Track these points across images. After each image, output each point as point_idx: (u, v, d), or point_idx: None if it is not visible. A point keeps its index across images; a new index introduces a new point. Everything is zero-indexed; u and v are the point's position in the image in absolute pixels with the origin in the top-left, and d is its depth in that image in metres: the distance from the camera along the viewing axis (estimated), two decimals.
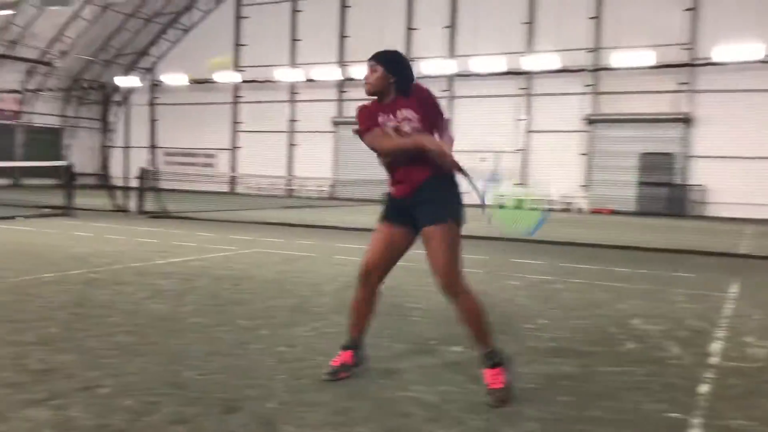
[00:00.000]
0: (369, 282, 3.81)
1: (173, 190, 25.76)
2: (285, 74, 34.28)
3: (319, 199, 31.19)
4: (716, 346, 4.84)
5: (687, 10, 26.21)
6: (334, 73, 32.94)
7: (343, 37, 33.31)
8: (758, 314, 6.10)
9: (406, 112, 3.63)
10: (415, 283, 7.34)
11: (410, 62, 3.88)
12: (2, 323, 4.84)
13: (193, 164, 37.30)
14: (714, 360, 4.46)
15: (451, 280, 3.54)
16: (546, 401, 3.52)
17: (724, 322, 5.70)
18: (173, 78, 37.42)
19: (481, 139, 29.69)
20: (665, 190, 26.21)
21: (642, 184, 26.76)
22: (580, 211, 26.99)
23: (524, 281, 7.75)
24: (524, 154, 29.25)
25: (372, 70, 3.69)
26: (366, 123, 3.75)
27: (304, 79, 33.92)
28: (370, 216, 19.58)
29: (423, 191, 3.58)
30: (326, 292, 6.56)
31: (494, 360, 3.54)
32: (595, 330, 5.27)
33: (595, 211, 26.61)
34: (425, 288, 6.99)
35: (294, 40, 34.61)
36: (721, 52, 25.01)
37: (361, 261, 3.82)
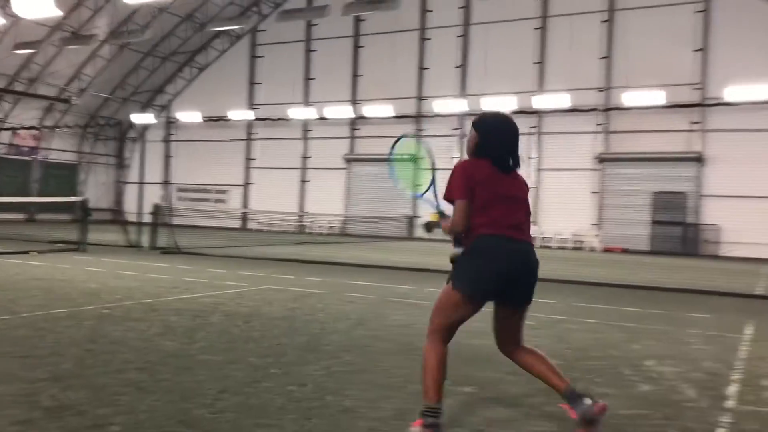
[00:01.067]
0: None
1: (186, 226, 25.93)
2: (298, 112, 34.72)
3: (330, 235, 31.24)
4: (732, 389, 4.76)
5: (697, 50, 26.43)
6: (347, 111, 33.32)
7: (355, 76, 33.78)
8: None
9: None
10: (424, 321, 7.30)
11: (509, 128, 3.66)
12: (15, 359, 4.85)
13: (205, 200, 37.65)
14: (730, 403, 4.38)
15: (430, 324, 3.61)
16: None
17: (739, 364, 5.62)
18: (188, 115, 37.99)
19: None
20: (678, 229, 26.09)
21: (655, 222, 26.66)
22: (592, 249, 26.86)
23: (537, 320, 7.68)
24: (536, 192, 29.29)
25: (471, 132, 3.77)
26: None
27: (317, 117, 34.33)
28: (381, 253, 19.61)
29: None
30: (337, 330, 6.54)
31: (422, 414, 3.46)
32: (608, 371, 5.21)
33: (608, 250, 26.49)
34: None
35: (307, 78, 35.14)
36: (732, 92, 25.11)
37: None
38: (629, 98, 26.75)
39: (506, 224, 3.49)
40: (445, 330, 3.55)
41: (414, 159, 4.19)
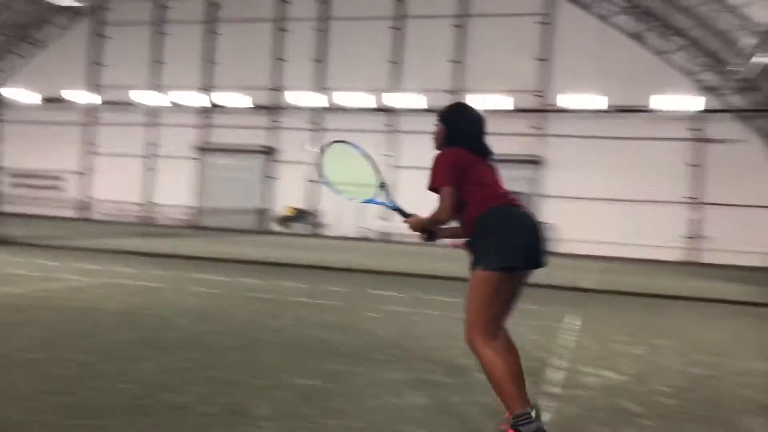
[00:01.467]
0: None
1: (19, 215, 23.85)
2: (146, 97, 33.03)
3: (180, 227, 30.05)
4: (557, 376, 5.10)
5: (539, 60, 28.21)
6: (200, 99, 32.17)
7: (209, 63, 32.71)
8: (597, 345, 6.53)
9: None
10: (272, 314, 7.21)
11: (475, 116, 3.74)
12: None
13: (44, 187, 34.86)
14: (554, 390, 4.68)
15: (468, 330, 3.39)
16: None
17: (565, 353, 6.04)
18: (22, 95, 34.93)
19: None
20: None
21: None
22: (449, 245, 27.86)
23: (384, 313, 7.82)
24: (392, 189, 29.91)
25: (436, 123, 3.75)
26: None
27: (167, 104, 32.84)
28: (232, 246, 19.10)
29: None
30: (178, 326, 6.26)
31: (514, 424, 3.21)
32: (448, 360, 5.38)
33: (454, 246, 27.57)
34: (282, 321, 6.88)
35: (157, 62, 33.53)
36: (569, 100, 27.05)
37: None
38: (478, 102, 27.95)
39: (506, 194, 3.50)
40: (493, 323, 3.36)
41: (353, 166, 4.04)
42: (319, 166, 4.08)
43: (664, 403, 4.50)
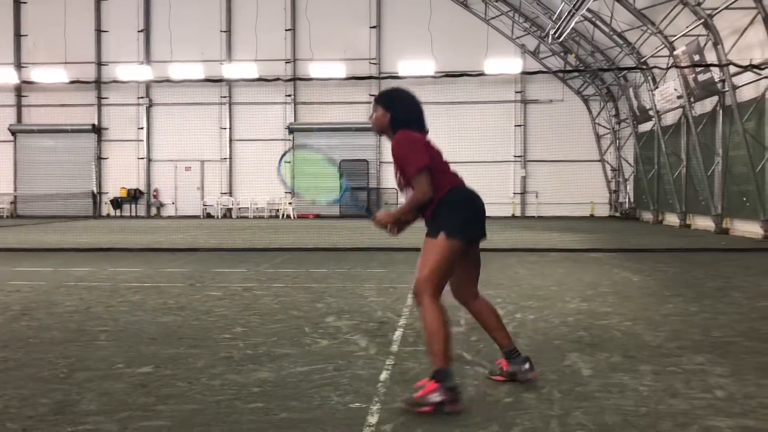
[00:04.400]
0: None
1: None
2: None
3: None
4: (398, 335, 5.25)
5: (372, 27, 28.49)
6: (9, 76, 29.21)
7: (19, 35, 29.76)
8: None
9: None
10: (103, 303, 6.79)
11: (414, 97, 3.94)
12: None
13: None
14: (394, 348, 4.82)
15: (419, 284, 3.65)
16: (237, 411, 3.45)
17: (406, 311, 6.23)
18: None
19: (184, 148, 28.91)
20: (364, 194, 28.14)
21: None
22: (287, 217, 27.68)
23: (225, 291, 7.63)
24: (229, 162, 29.19)
25: (374, 109, 3.89)
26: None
27: None
28: (60, 234, 17.72)
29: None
30: None
31: (437, 377, 3.43)
32: (291, 332, 5.36)
33: (302, 216, 27.52)
34: (114, 308, 6.50)
35: None
36: (403, 66, 27.60)
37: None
38: (314, 70, 27.80)
39: (458, 175, 3.81)
40: (442, 285, 3.63)
41: (314, 169, 4.26)
42: (284, 175, 4.23)
43: (496, 348, 4.76)
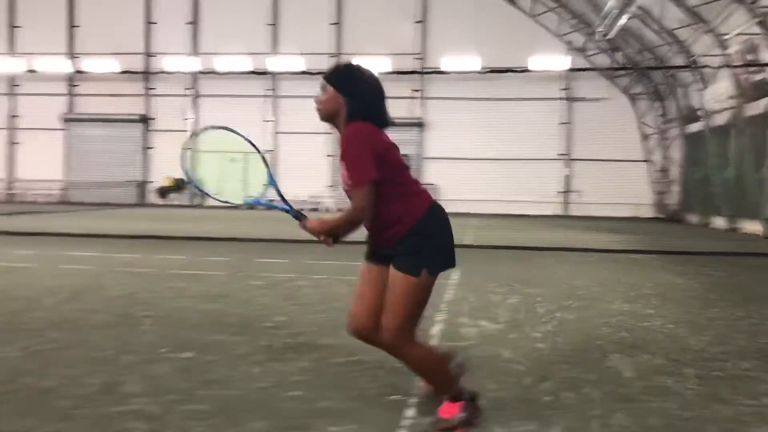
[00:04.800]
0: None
1: None
2: (3, 64, 30.44)
3: (48, 204, 28.23)
4: (437, 329, 5.24)
5: (417, 22, 28.44)
6: (63, 65, 30.00)
7: (72, 26, 30.54)
8: (473, 297, 6.77)
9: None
10: (148, 289, 6.94)
11: (377, 80, 3.08)
12: None
13: None
14: (434, 342, 4.82)
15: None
16: (277, 399, 3.50)
17: (444, 306, 6.22)
18: None
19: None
20: None
21: None
22: (327, 210, 27.88)
23: (267, 280, 7.73)
24: (274, 155, 29.51)
25: (323, 88, 3.05)
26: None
27: (26, 70, 30.42)
28: (107, 221, 18.18)
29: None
30: (44, 306, 5.89)
31: (455, 398, 3.14)
32: (331, 323, 5.40)
33: (342, 209, 27.64)
34: (158, 294, 6.64)
35: (13, 26, 30.93)
36: (447, 62, 27.50)
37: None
38: (360, 64, 27.77)
39: (425, 189, 3.15)
40: (416, 324, 3.10)
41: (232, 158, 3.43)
42: (186, 160, 3.46)
43: (536, 347, 4.73)
